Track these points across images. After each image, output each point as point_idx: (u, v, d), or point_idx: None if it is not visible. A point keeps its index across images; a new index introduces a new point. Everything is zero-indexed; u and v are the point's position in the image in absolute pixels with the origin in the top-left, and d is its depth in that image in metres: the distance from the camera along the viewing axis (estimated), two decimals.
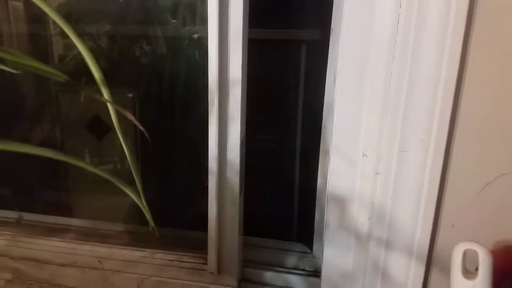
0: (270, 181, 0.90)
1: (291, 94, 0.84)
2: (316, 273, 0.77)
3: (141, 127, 0.35)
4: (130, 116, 0.34)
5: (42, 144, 0.98)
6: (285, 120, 0.86)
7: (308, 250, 0.82)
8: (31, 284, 0.80)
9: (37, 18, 0.94)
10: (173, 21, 0.84)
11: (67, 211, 0.96)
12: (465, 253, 0.42)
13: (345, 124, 0.60)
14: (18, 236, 0.84)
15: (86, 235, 0.85)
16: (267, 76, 0.83)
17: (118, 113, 0.42)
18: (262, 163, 0.87)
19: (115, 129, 0.44)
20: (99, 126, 0.93)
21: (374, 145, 0.59)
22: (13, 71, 0.36)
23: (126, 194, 0.91)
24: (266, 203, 0.89)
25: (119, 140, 0.44)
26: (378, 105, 0.57)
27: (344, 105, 0.59)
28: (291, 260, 0.80)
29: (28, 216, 0.92)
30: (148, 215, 0.40)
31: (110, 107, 0.37)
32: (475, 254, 0.41)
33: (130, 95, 0.89)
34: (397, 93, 0.55)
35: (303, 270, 0.79)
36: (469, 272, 0.41)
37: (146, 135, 0.34)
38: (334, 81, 0.60)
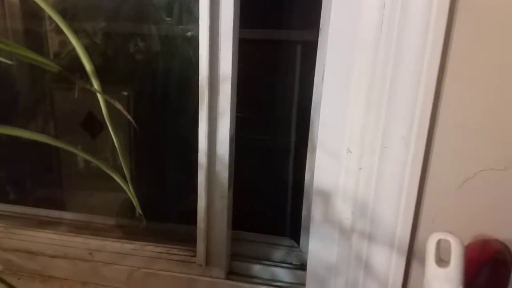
0: (259, 177, 0.92)
1: (286, 93, 0.85)
2: (302, 266, 0.79)
3: (129, 117, 0.37)
4: (118, 105, 0.36)
5: (33, 143, 0.99)
6: (277, 118, 0.88)
7: (296, 245, 0.84)
8: (22, 275, 0.81)
9: (32, 14, 0.95)
10: (167, 19, 0.86)
11: (59, 205, 0.97)
12: (439, 243, 0.44)
13: (331, 121, 0.62)
14: (10, 228, 0.85)
15: (77, 228, 0.86)
16: (263, 76, 0.85)
17: (109, 106, 0.44)
18: (253, 160, 0.89)
19: (107, 125, 0.45)
20: (92, 124, 0.94)
21: (358, 141, 0.61)
22: (8, 62, 0.38)
23: (117, 190, 0.92)
24: (255, 198, 0.91)
25: (112, 137, 0.45)
26: (362, 103, 0.59)
27: (330, 103, 0.62)
28: (278, 254, 0.82)
29: (20, 209, 0.93)
30: (134, 201, 0.42)
31: (100, 97, 0.39)
32: (449, 245, 0.44)
33: (125, 93, 0.90)
34: (380, 92, 0.57)
35: (290, 263, 0.81)
36: (443, 261, 0.44)
37: (135, 125, 0.36)
38: (322, 79, 0.62)
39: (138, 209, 0.42)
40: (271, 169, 0.91)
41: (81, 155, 0.35)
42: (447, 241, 0.43)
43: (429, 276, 0.44)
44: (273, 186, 0.91)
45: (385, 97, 0.57)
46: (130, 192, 0.39)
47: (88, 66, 0.37)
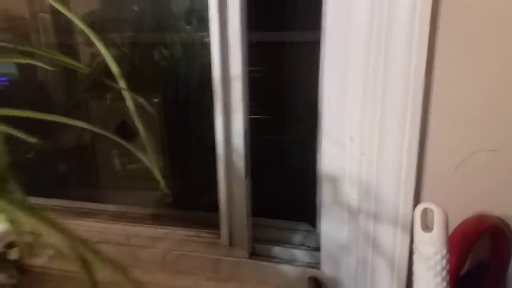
0: (279, 170, 0.99)
1: (305, 90, 0.92)
2: (318, 248, 0.85)
3: (141, 100, 0.45)
4: (141, 100, 0.44)
5: (74, 147, 1.11)
6: (297, 115, 0.95)
7: (312, 229, 0.91)
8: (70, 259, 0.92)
9: (64, 28, 1.04)
10: (187, 27, 0.94)
11: (100, 200, 1.08)
12: (424, 211, 0.49)
13: (333, 112, 0.69)
14: (59, 218, 0.96)
15: (116, 218, 0.97)
16: (284, 76, 0.92)
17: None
18: (273, 156, 0.97)
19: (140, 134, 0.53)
20: (126, 131, 1.03)
21: (358, 129, 0.67)
22: (50, 68, 0.46)
23: (149, 189, 1.00)
24: (276, 188, 0.98)
25: (145, 143, 0.53)
26: (359, 95, 0.65)
27: (331, 96, 0.68)
28: (297, 237, 0.89)
29: (66, 203, 1.04)
30: (159, 178, 0.49)
31: (126, 95, 0.47)
32: (433, 214, 0.49)
33: (156, 100, 0.99)
34: (375, 83, 0.63)
35: (308, 246, 0.87)
36: (428, 227, 0.49)
37: (147, 107, 0.43)
38: None
39: (163, 186, 0.49)
40: (289, 162, 0.98)
41: (107, 135, 0.43)
42: (431, 210, 0.49)
43: (416, 241, 0.50)
44: (291, 177, 0.98)
45: (379, 88, 0.63)
46: (155, 170, 0.47)
47: (114, 68, 0.45)
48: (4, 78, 1.06)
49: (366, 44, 0.61)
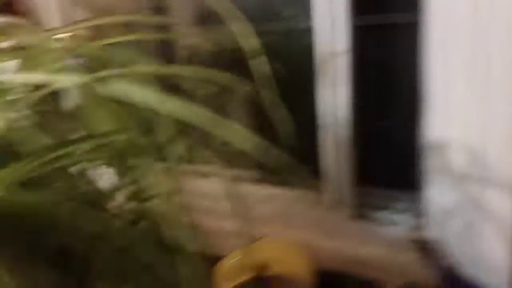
0: (386, 141, 1.02)
1: (407, 66, 0.93)
2: (420, 213, 0.88)
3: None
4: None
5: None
6: (398, 89, 0.98)
7: (413, 196, 0.93)
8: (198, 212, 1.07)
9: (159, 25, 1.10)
10: (288, 14, 1.02)
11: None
12: None
13: (438, 87, 0.72)
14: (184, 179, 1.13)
15: (234, 179, 1.10)
16: (386, 56, 0.95)
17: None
18: (376, 127, 1.01)
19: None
20: None
21: (464, 99, 0.69)
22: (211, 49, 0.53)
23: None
24: (381, 156, 1.02)
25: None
26: (463, 66, 0.67)
27: (436, 69, 0.71)
28: (399, 204, 0.93)
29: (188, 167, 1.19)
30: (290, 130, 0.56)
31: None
32: None
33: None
34: (480, 59, 0.64)
35: (411, 211, 0.91)
36: None
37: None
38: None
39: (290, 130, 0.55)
40: (395, 132, 1.01)
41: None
42: None
43: None
44: (396, 146, 1.01)
45: (484, 55, 0.64)
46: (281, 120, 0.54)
47: (254, 43, 0.53)
48: None
49: (469, 22, 0.63)
